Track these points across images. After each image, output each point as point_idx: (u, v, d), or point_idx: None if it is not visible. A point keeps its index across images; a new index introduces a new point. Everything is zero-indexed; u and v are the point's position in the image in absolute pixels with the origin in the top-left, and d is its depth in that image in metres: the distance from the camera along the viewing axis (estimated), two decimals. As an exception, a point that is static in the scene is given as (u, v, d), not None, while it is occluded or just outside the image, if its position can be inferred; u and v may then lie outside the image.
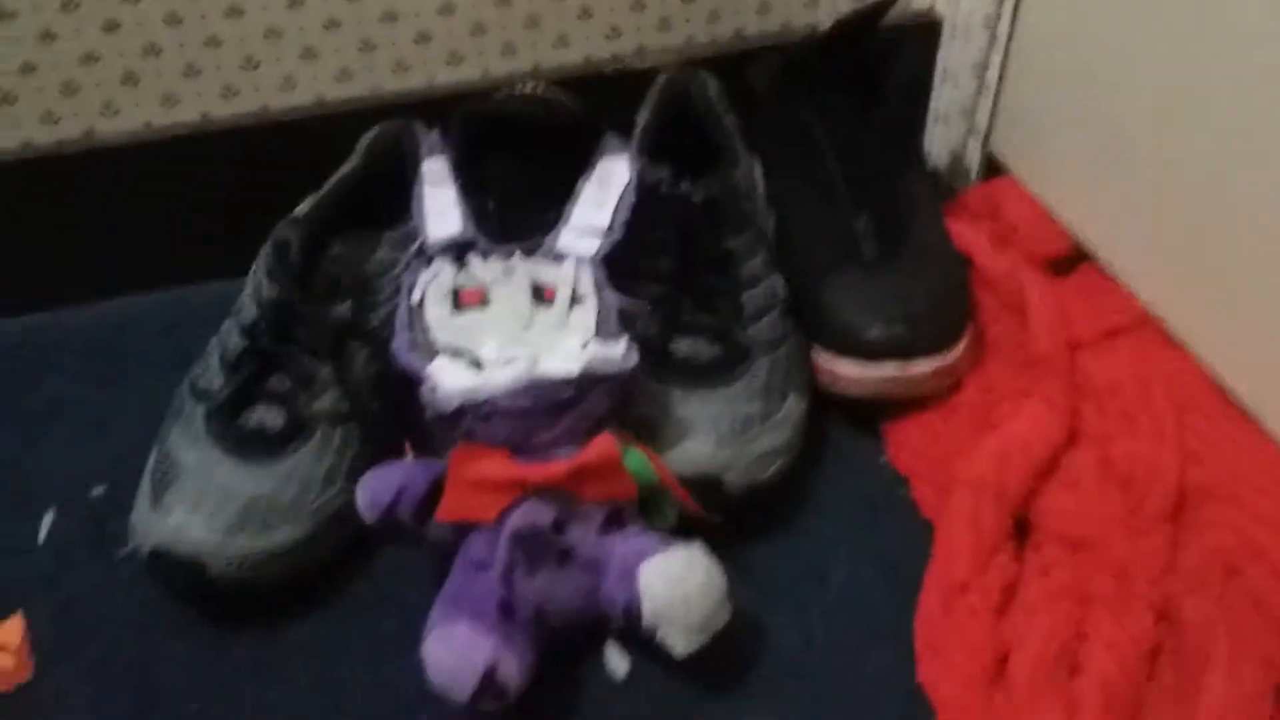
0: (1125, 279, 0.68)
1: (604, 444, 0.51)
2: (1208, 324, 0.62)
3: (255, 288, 0.61)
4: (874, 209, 0.66)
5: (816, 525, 0.60)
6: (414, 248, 0.63)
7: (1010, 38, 0.76)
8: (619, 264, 0.60)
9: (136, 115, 0.69)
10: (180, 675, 0.53)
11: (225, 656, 0.54)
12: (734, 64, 0.76)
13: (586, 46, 0.76)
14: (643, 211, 0.62)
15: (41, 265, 0.71)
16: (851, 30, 0.70)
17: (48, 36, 0.65)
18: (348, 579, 0.57)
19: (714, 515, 0.54)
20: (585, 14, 0.75)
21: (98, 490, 0.61)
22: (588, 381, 0.51)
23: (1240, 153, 0.58)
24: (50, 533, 0.59)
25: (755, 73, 0.71)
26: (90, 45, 0.66)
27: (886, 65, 0.70)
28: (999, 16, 0.76)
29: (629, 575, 0.50)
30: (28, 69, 0.66)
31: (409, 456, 0.60)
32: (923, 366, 0.62)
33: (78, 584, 0.57)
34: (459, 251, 0.58)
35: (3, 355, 0.68)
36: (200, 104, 0.70)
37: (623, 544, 0.52)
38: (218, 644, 0.54)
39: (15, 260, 0.70)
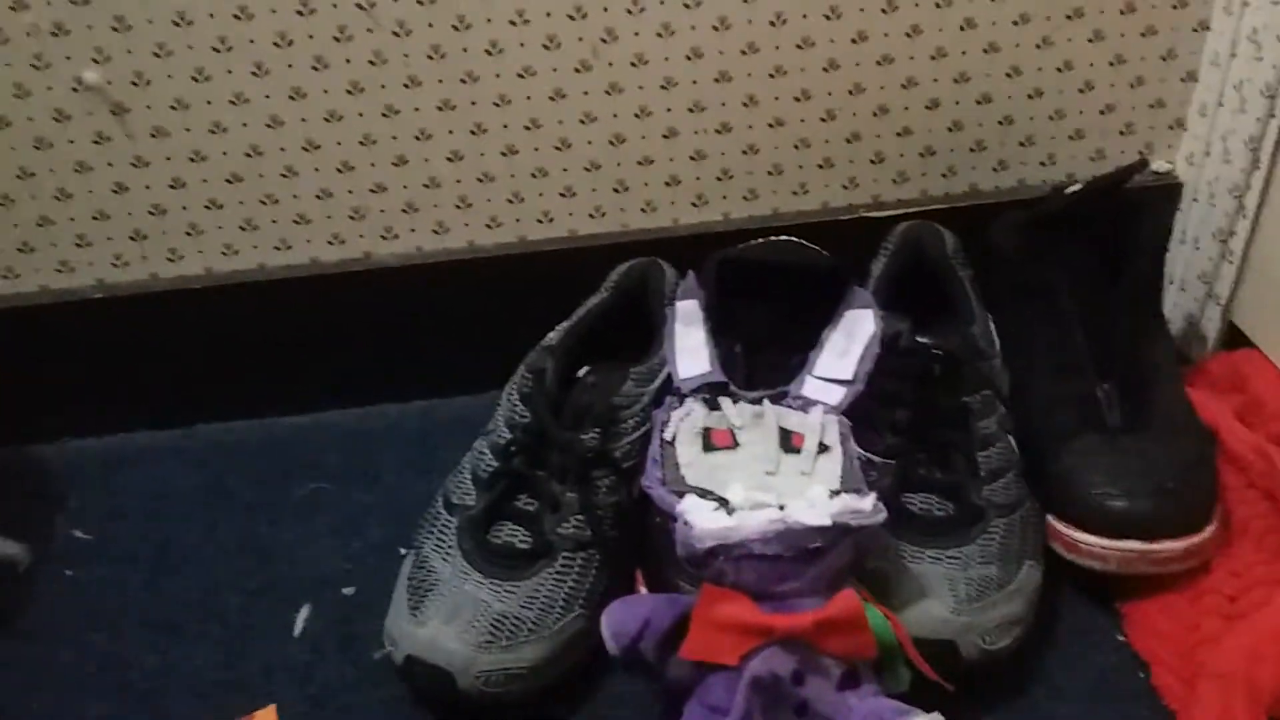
0: (1390, 468, 0.65)
1: (849, 599, 0.52)
2: None
3: (509, 411, 0.65)
4: (1117, 375, 0.66)
5: (1051, 705, 0.59)
6: (657, 383, 0.66)
7: (1260, 207, 0.75)
8: (855, 414, 0.61)
9: (411, 241, 0.75)
10: (420, 779, 0.56)
11: (462, 765, 0.56)
12: (968, 218, 0.77)
13: (825, 194, 0.79)
14: (882, 363, 0.63)
15: (311, 372, 0.77)
16: (1100, 192, 0.71)
17: (348, 166, 0.72)
18: (577, 704, 0.59)
19: (948, 683, 0.54)
20: (826, 164, 0.78)
21: (348, 590, 0.65)
22: (837, 533, 0.52)
23: None
24: (305, 625, 0.63)
25: (998, 228, 0.72)
26: (380, 178, 0.73)
27: (1130, 227, 0.70)
28: (1248, 186, 0.75)
29: (866, 736, 0.50)
30: (326, 194, 0.73)
31: (641, 588, 0.62)
32: (1170, 546, 0.60)
33: (329, 678, 0.61)
34: (709, 392, 0.60)
35: (275, 450, 0.74)
36: (467, 233, 0.76)
37: (860, 704, 0.51)
38: (455, 752, 0.57)
39: (290, 367, 0.77)
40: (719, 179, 0.77)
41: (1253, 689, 0.54)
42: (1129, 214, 0.71)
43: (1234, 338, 0.78)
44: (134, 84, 0.67)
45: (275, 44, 0.67)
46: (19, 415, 0.75)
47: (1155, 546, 0.60)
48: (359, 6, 0.67)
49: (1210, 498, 0.62)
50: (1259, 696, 0.54)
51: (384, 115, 0.71)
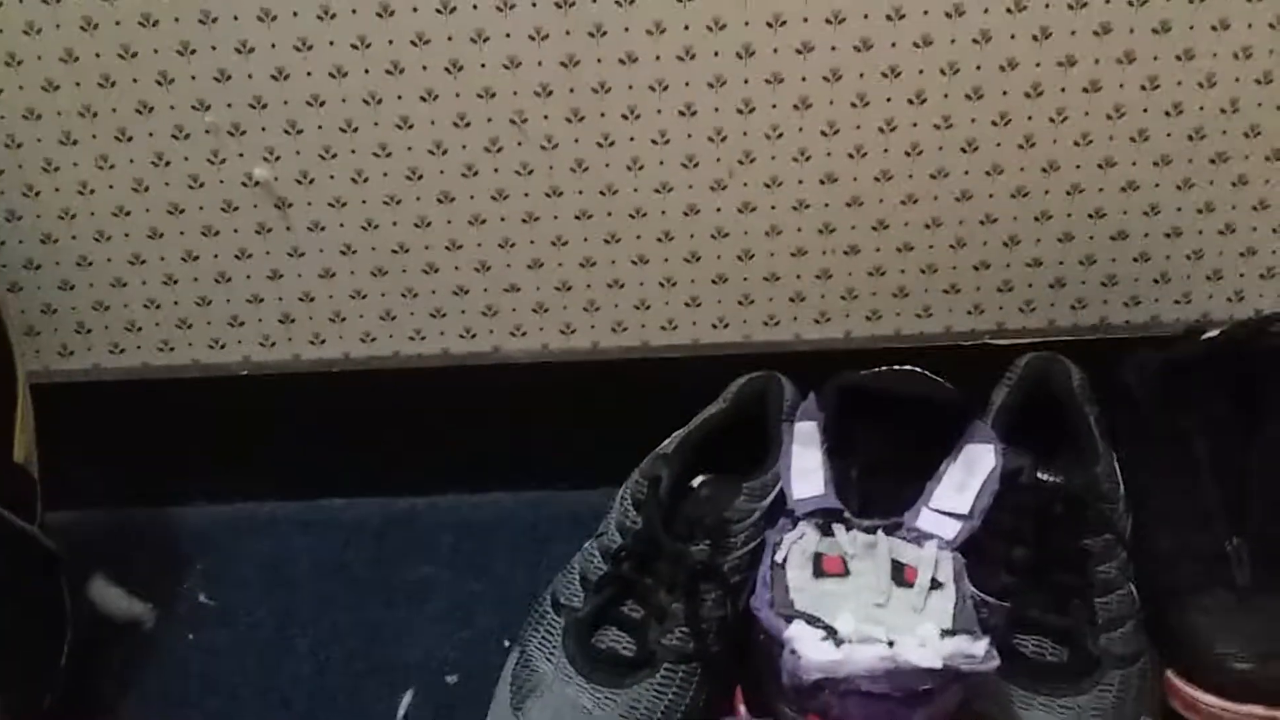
0: None
1: (955, 745, 0.51)
2: None
3: (621, 516, 0.66)
4: (1250, 530, 0.63)
5: None
6: (769, 500, 0.67)
7: None
8: (970, 549, 0.61)
9: (538, 339, 0.78)
10: None
11: None
12: (1097, 351, 0.76)
13: (949, 319, 0.79)
14: (1000, 498, 0.62)
15: (433, 457, 0.80)
16: (1239, 337, 0.69)
17: (485, 266, 0.76)
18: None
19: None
20: (952, 289, 0.78)
21: (452, 677, 0.67)
22: (947, 675, 0.51)
23: None
24: (408, 711, 0.65)
25: (1130, 369, 0.71)
26: (515, 279, 0.76)
27: (1270, 375, 0.68)
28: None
29: None
30: (463, 291, 0.76)
31: (740, 705, 0.62)
32: (1297, 713, 0.58)
33: (428, 764, 0.62)
34: (824, 517, 0.60)
35: (392, 529, 0.77)
36: (593, 335, 0.78)
37: None
38: None
39: (413, 450, 0.80)
40: (843, 298, 0.78)
41: None
42: (1269, 360, 0.69)
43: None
44: (298, 181, 0.72)
45: (430, 151, 0.72)
46: (159, 479, 0.80)
47: (1278, 713, 0.57)
48: (511, 121, 0.71)
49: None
50: None
51: (524, 221, 0.74)
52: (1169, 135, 0.72)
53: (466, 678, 0.66)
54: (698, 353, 0.79)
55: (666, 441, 0.71)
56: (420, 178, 0.72)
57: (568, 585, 0.65)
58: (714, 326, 0.79)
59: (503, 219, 0.74)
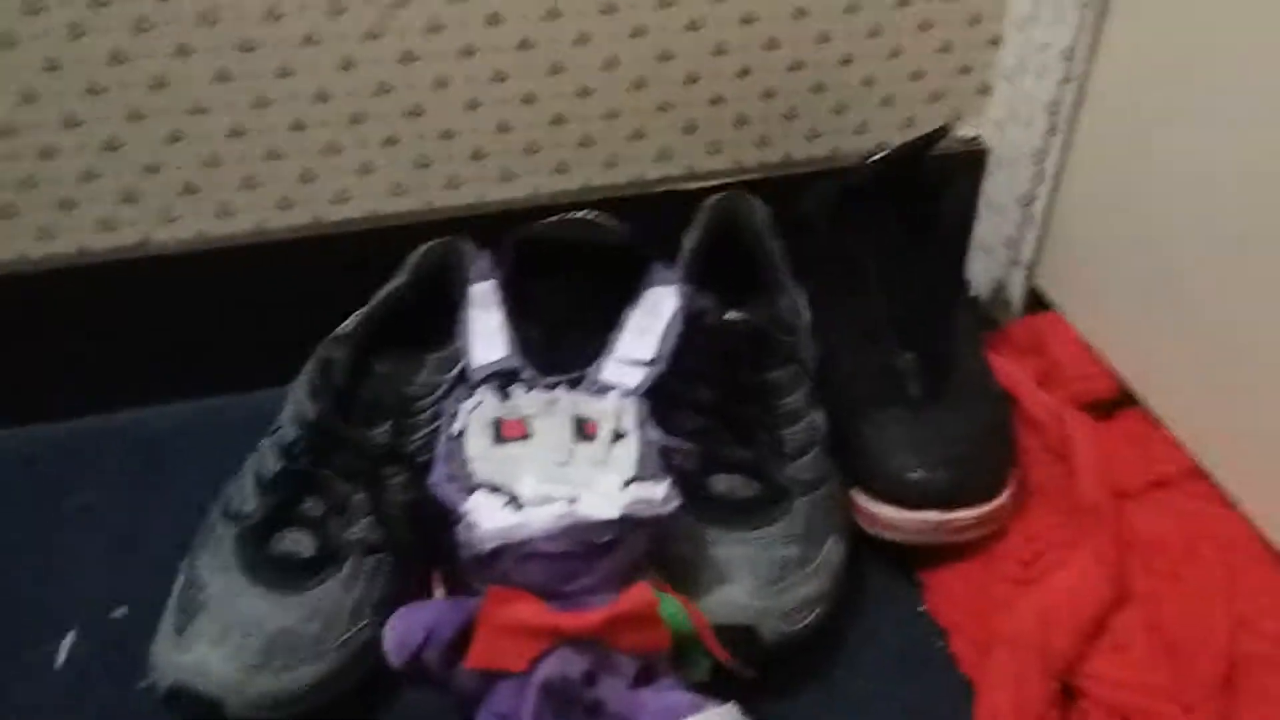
0: (1172, 427, 0.66)
1: (640, 593, 0.50)
2: (1260, 482, 0.60)
3: (296, 407, 0.61)
4: (919, 345, 0.65)
5: (852, 680, 0.58)
6: (456, 372, 0.63)
7: (1061, 172, 0.75)
8: (658, 393, 0.59)
9: (192, 225, 0.70)
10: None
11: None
12: (784, 188, 0.76)
13: (636, 168, 0.77)
14: (686, 340, 0.61)
15: (87, 370, 0.71)
16: (905, 159, 0.70)
17: (112, 146, 0.66)
18: (369, 715, 0.56)
19: (747, 669, 0.52)
20: (637, 136, 0.75)
21: (120, 611, 0.60)
22: (627, 525, 0.50)
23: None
24: (70, 654, 0.58)
25: (809, 200, 0.71)
26: (153, 157, 0.67)
27: (935, 195, 0.70)
28: (1047, 151, 0.75)
29: (661, 733, 0.48)
30: (91, 176, 0.67)
31: (438, 591, 0.59)
32: (966, 514, 0.61)
33: (95, 710, 0.56)
34: (503, 380, 0.57)
35: (44, 459, 0.68)
36: (256, 215, 0.71)
37: (655, 700, 0.50)
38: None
39: (61, 364, 0.70)
40: (526, 153, 0.74)
41: (1044, 653, 0.55)
42: (935, 181, 0.71)
43: (1038, 302, 0.79)
44: None
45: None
46: None
47: (950, 516, 0.60)
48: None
49: (1005, 464, 0.63)
50: (1050, 661, 0.55)
51: (150, 87, 0.65)
52: (831, -42, 0.71)
53: (139, 609, 0.60)
54: (377, 224, 0.73)
55: (346, 323, 0.65)
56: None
57: (239, 490, 0.59)
58: (391, 194, 0.73)
59: (125, 86, 0.65)
